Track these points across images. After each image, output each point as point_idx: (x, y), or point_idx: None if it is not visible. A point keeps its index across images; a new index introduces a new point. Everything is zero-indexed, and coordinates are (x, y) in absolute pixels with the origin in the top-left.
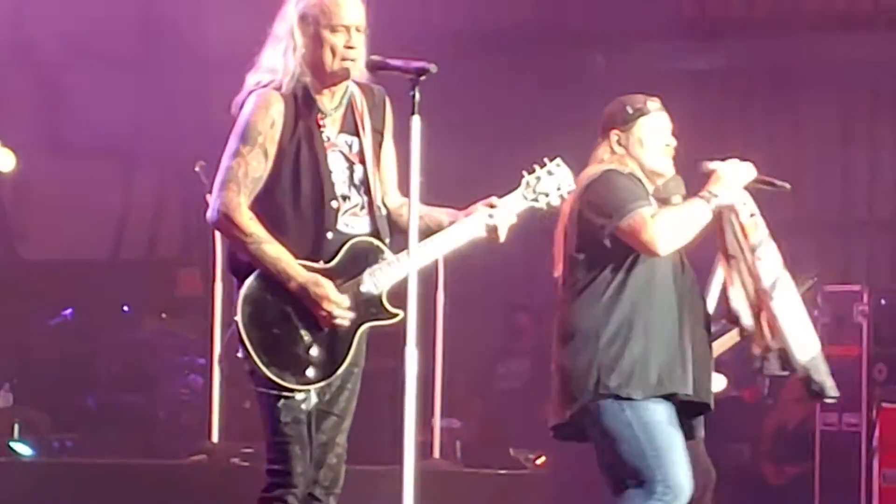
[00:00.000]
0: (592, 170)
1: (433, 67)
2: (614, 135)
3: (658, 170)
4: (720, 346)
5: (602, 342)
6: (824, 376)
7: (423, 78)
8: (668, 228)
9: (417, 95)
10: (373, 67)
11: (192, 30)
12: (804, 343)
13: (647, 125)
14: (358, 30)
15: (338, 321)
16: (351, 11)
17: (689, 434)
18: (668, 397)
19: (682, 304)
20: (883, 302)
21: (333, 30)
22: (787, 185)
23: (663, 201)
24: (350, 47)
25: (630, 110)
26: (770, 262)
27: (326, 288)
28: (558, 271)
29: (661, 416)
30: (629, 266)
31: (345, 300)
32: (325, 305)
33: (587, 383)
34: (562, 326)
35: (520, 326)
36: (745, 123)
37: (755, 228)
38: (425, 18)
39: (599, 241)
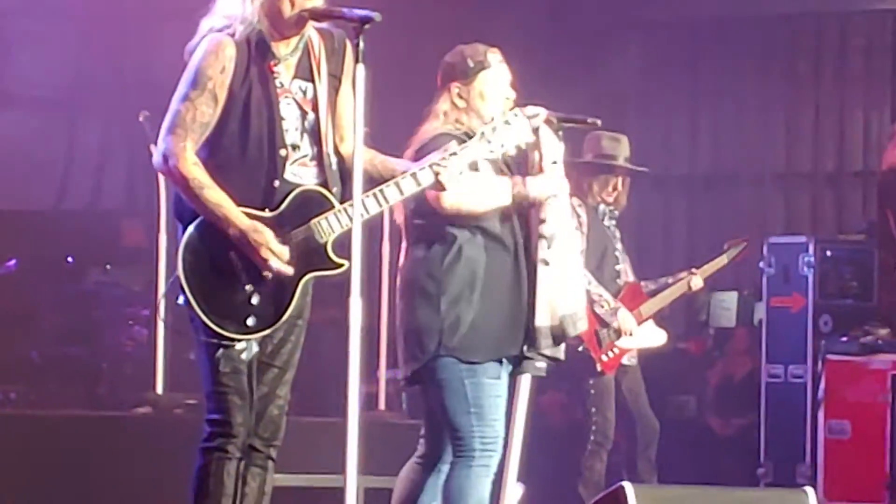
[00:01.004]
0: (428, 128)
1: (377, 16)
2: (455, 87)
3: None
4: (664, 298)
5: (444, 304)
6: (544, 348)
7: (367, 27)
8: (461, 194)
9: (362, 44)
10: (316, 16)
11: None
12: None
13: (488, 78)
14: None
15: (275, 269)
16: None
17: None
18: (505, 357)
19: (519, 265)
20: (829, 253)
21: None
22: (598, 121)
23: (609, 158)
24: None
25: (471, 63)
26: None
27: (266, 235)
28: (399, 218)
29: (492, 376)
30: (467, 230)
31: (285, 250)
32: (263, 252)
33: (429, 344)
34: (405, 284)
35: None
36: (691, 75)
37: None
38: None
39: (434, 208)
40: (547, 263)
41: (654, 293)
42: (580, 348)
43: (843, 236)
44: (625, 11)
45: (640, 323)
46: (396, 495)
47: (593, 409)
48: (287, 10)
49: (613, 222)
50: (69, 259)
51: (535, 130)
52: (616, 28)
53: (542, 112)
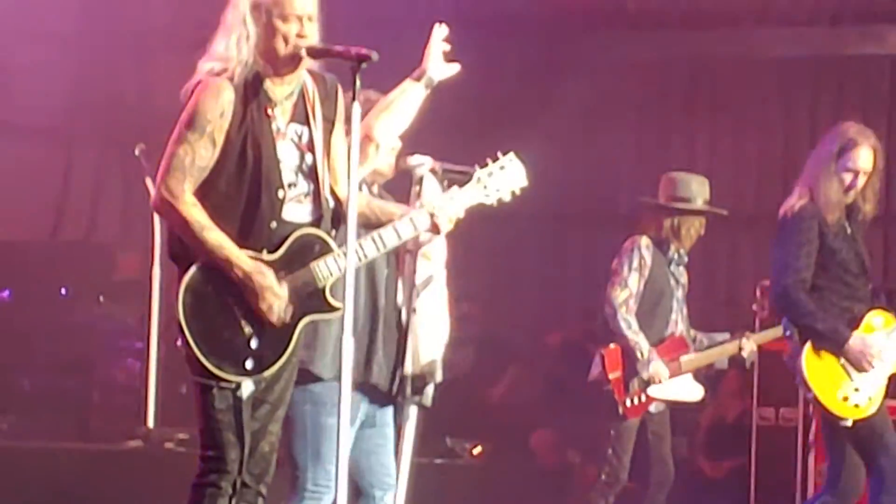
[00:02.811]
0: None
1: (374, 55)
2: None
3: (382, 170)
4: (711, 355)
5: None
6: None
7: (364, 65)
8: None
9: (358, 83)
10: (314, 54)
11: (134, 8)
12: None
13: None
14: (310, 19)
15: (276, 315)
16: (303, 0)
17: (380, 421)
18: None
19: (376, 297)
20: None
21: (286, 19)
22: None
23: (684, 201)
24: (302, 36)
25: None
26: (431, 260)
27: (269, 279)
28: None
29: (335, 420)
30: None
31: (285, 293)
32: (268, 296)
33: None
34: None
35: (464, 315)
36: (687, 115)
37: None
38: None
39: None
40: (415, 311)
41: (704, 347)
42: (606, 388)
43: None
44: (622, 49)
45: (677, 375)
46: None
47: (610, 451)
48: (281, 49)
49: (681, 268)
50: (63, 290)
51: (420, 179)
52: (613, 65)
53: (428, 161)
